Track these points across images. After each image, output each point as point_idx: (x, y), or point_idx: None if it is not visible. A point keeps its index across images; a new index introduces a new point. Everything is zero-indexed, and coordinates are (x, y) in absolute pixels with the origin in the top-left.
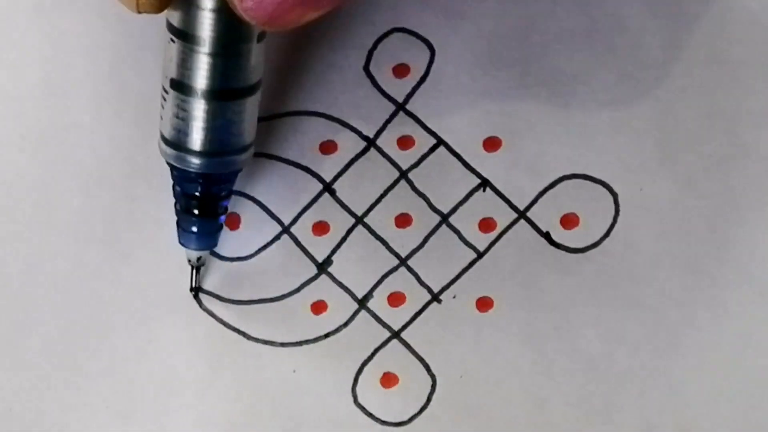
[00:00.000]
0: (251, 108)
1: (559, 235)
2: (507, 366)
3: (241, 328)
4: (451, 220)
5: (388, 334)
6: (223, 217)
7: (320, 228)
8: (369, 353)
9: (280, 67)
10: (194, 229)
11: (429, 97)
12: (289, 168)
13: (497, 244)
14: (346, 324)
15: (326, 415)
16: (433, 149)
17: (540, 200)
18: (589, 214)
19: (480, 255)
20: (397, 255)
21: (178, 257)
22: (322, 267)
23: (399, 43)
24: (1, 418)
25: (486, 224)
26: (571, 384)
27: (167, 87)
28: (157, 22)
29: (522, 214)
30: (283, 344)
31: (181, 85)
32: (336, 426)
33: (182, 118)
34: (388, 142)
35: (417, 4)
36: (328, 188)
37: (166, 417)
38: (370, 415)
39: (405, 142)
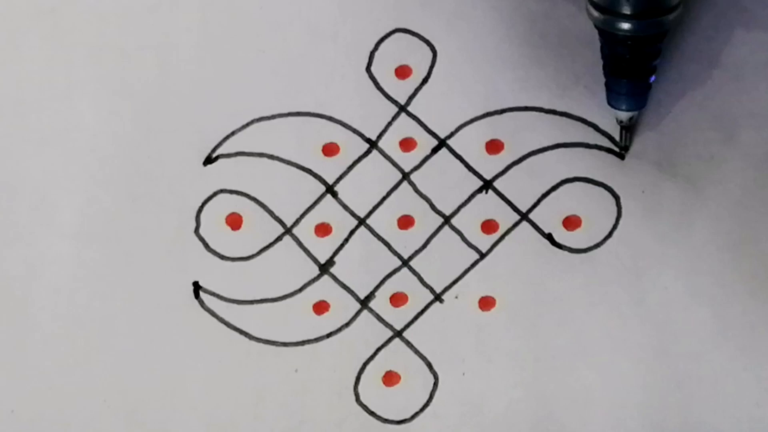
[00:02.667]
0: None
1: (561, 236)
2: (509, 364)
3: (243, 328)
4: (454, 221)
5: (390, 333)
6: (653, 77)
7: (322, 229)
8: (371, 352)
9: (282, 68)
10: (624, 90)
11: (431, 98)
12: (292, 170)
13: (499, 245)
14: (348, 324)
15: (328, 414)
16: (435, 151)
17: (542, 202)
18: (592, 216)
19: (482, 256)
20: (399, 256)
21: (179, 256)
22: (325, 267)
23: (401, 45)
24: (3, 418)
25: (488, 225)
26: (574, 382)
27: None
28: (157, 23)
29: (524, 216)
30: (285, 344)
31: None
32: (338, 424)
33: None
34: (390, 143)
35: (419, 5)
36: (330, 190)
37: (167, 416)
38: (372, 413)
39: (407, 144)
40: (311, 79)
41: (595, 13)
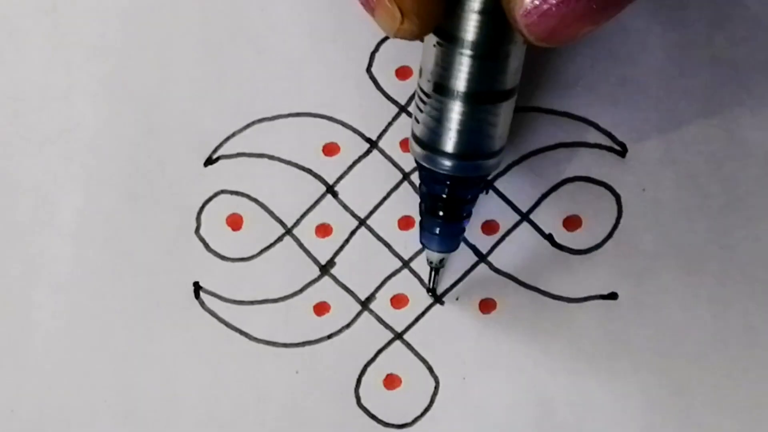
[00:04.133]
0: (506, 112)
1: (561, 237)
2: (510, 367)
3: (244, 329)
4: None
5: (390, 335)
6: (467, 222)
7: (323, 230)
8: (372, 355)
9: (283, 69)
10: (437, 230)
11: None
12: (292, 170)
13: (500, 246)
14: (348, 325)
15: (329, 417)
16: None
17: (543, 202)
18: (592, 216)
19: (483, 257)
20: (399, 257)
21: (180, 256)
22: (325, 268)
23: (401, 45)
24: (2, 419)
25: (489, 226)
26: (575, 385)
27: (427, 89)
28: (157, 23)
29: (525, 216)
30: (285, 345)
31: (440, 87)
32: (338, 427)
33: (437, 119)
34: (390, 143)
35: None
36: (330, 190)
37: (167, 417)
38: (372, 416)
39: (407, 144)
40: (312, 80)
41: (417, 149)
